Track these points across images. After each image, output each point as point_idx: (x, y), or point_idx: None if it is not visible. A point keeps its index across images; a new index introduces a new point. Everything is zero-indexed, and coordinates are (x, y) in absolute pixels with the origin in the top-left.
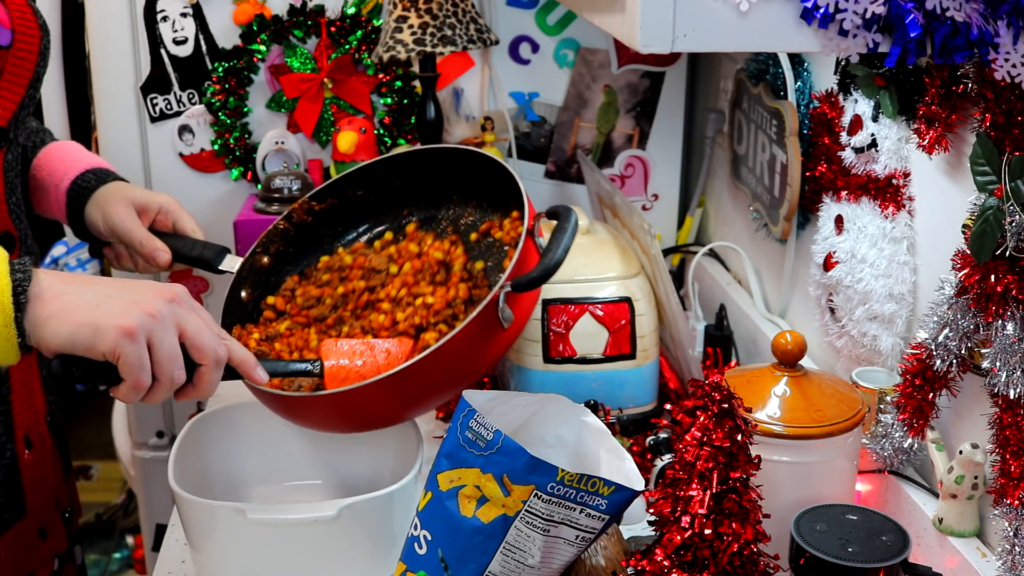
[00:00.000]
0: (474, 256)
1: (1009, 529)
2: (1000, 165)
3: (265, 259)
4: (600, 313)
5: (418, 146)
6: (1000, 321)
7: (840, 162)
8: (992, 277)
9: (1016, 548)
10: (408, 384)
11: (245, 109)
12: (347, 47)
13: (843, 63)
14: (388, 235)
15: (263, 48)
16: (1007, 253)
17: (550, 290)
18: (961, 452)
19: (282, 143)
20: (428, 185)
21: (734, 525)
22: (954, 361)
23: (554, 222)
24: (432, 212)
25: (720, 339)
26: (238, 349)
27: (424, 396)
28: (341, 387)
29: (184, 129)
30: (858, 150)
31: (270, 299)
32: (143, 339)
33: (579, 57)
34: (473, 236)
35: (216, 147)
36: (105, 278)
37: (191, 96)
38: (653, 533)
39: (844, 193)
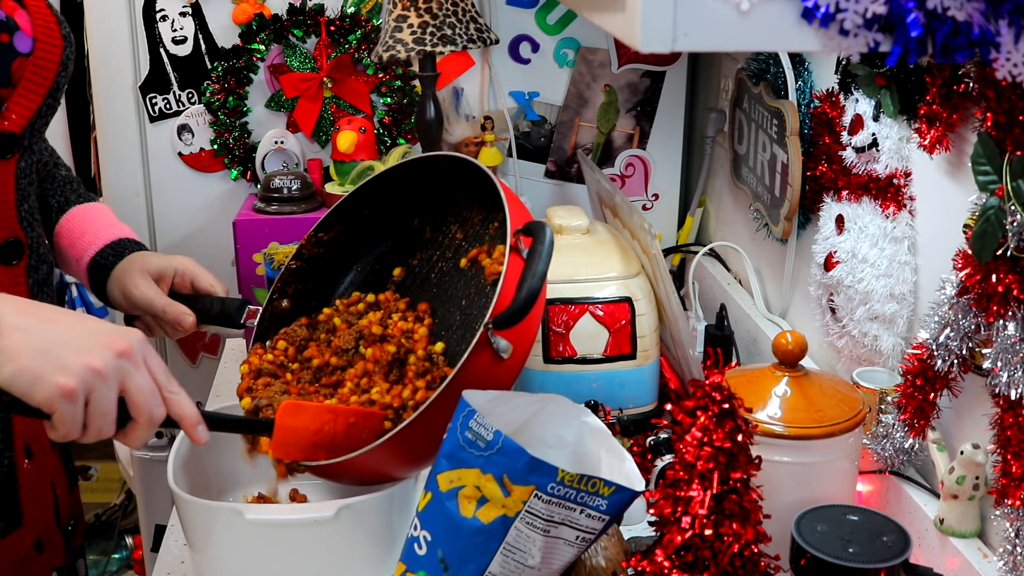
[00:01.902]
0: (437, 334)
1: (1010, 530)
2: (1001, 165)
3: (285, 302)
4: (600, 313)
5: (407, 157)
6: (1001, 321)
7: (841, 162)
8: (993, 277)
9: (1017, 549)
10: (414, 442)
11: (244, 109)
12: (347, 46)
13: (844, 62)
14: (371, 297)
15: (262, 47)
16: (1008, 253)
17: (551, 290)
18: (962, 452)
19: (281, 143)
20: (430, 192)
21: (735, 526)
22: (955, 361)
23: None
24: (441, 216)
25: (721, 339)
26: (181, 406)
27: (429, 452)
28: (334, 458)
29: (183, 129)
30: (859, 149)
31: (281, 343)
32: (81, 399)
33: (579, 56)
34: (463, 262)
35: (215, 147)
36: (67, 313)
37: (190, 96)
38: (653, 534)
39: (845, 193)
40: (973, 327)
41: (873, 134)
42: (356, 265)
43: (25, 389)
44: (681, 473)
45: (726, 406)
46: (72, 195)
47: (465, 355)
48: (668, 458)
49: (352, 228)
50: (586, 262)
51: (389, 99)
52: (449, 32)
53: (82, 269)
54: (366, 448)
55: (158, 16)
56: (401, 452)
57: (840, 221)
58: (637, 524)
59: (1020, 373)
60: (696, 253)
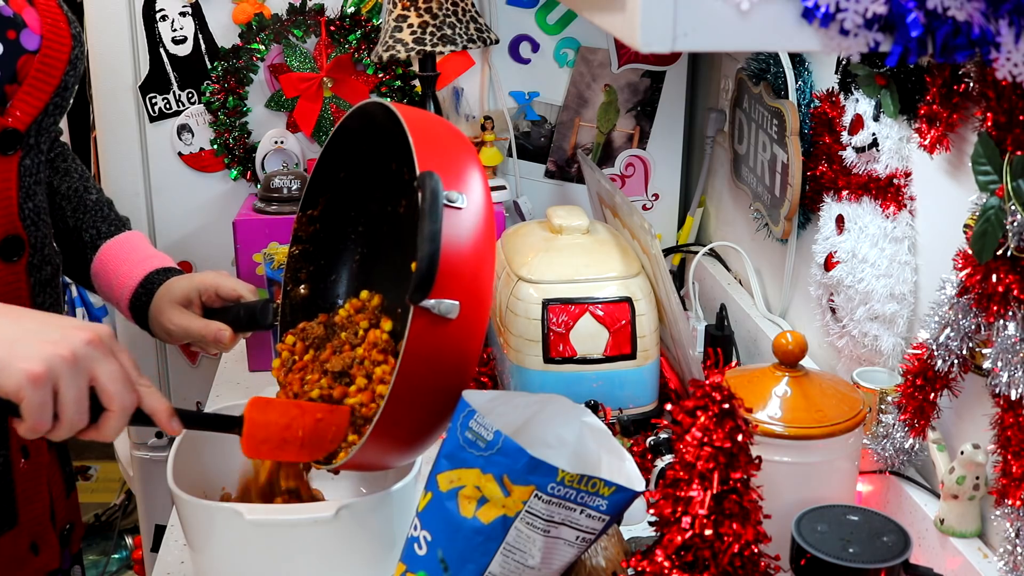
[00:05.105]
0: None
1: (1011, 530)
2: (1002, 164)
3: (302, 289)
4: (600, 313)
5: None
6: (1001, 321)
7: (841, 161)
8: (993, 277)
9: (1018, 549)
10: (398, 428)
11: (244, 108)
12: (347, 46)
13: (844, 62)
14: (365, 294)
15: (262, 47)
16: (1008, 253)
17: (550, 290)
18: (962, 452)
19: (281, 142)
20: (393, 138)
21: (735, 526)
22: (955, 361)
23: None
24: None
25: (721, 339)
26: (152, 398)
27: (425, 426)
28: (337, 464)
29: (183, 129)
30: (859, 149)
31: (289, 338)
32: (49, 385)
33: (579, 56)
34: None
35: (215, 147)
36: (35, 312)
37: (190, 95)
38: (653, 534)
39: (845, 193)
40: (973, 327)
41: (873, 134)
42: (358, 225)
43: None
44: (681, 473)
45: (726, 406)
46: (103, 225)
47: (405, 337)
48: (668, 458)
49: (337, 195)
50: (586, 262)
51: (389, 99)
52: (449, 32)
53: (125, 312)
54: (351, 453)
55: (158, 16)
56: (387, 443)
57: (840, 221)
58: (637, 524)
59: (1020, 373)
60: (696, 253)
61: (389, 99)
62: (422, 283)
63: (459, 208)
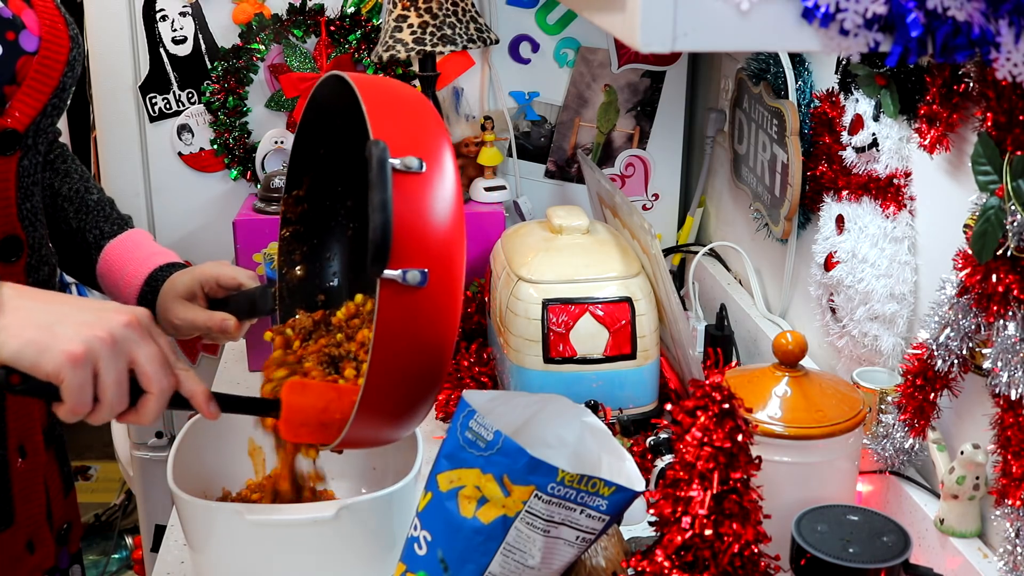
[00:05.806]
0: None
1: (1011, 530)
2: (1001, 164)
3: (298, 270)
4: (600, 313)
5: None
6: (1001, 321)
7: (841, 162)
8: (993, 277)
9: (1018, 549)
10: (386, 401)
11: (244, 108)
12: (347, 46)
13: (844, 62)
14: (360, 298)
15: (262, 47)
16: (1008, 253)
17: (550, 290)
18: (962, 452)
19: (281, 142)
20: (360, 114)
21: (735, 526)
22: (955, 361)
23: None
24: None
25: (721, 339)
26: (190, 381)
27: (413, 397)
28: (322, 442)
29: (183, 129)
30: (859, 149)
31: (267, 335)
32: (88, 365)
33: (579, 56)
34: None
35: (215, 147)
36: (71, 296)
37: (190, 95)
38: (653, 534)
39: (845, 193)
40: (973, 327)
41: (873, 134)
42: (347, 200)
43: (32, 361)
44: (681, 473)
45: (726, 406)
46: (106, 225)
47: (376, 307)
48: (668, 458)
49: (320, 172)
50: (586, 262)
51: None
52: (449, 32)
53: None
54: (343, 432)
55: (158, 16)
56: (376, 418)
57: (840, 221)
58: (637, 524)
59: (1020, 373)
60: (696, 253)
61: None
62: (377, 254)
63: (417, 173)
